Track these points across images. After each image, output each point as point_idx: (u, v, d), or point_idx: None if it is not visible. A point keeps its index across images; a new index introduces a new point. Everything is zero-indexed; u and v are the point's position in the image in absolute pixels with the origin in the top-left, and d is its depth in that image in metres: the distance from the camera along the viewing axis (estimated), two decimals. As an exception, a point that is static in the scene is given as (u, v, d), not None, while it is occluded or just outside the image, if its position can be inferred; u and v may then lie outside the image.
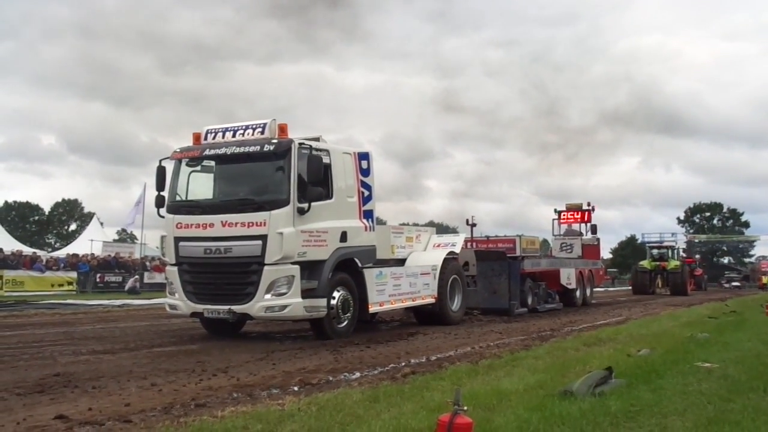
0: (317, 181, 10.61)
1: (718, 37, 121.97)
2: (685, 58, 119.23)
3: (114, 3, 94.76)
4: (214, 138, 11.34)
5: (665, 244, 43.12)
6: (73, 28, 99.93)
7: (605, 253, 47.24)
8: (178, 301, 11.02)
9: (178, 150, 11.47)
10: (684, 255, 45.22)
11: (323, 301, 10.63)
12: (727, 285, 57.14)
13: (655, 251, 40.09)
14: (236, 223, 10.44)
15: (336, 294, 11.02)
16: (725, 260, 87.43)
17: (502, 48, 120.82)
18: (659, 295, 34.85)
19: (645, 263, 38.49)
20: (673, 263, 37.52)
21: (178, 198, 11.38)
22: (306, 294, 10.42)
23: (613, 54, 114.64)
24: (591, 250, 25.29)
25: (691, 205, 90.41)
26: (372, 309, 11.95)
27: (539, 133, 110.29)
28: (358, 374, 7.58)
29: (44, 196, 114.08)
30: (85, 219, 70.97)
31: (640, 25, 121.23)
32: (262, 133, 10.95)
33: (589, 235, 26.70)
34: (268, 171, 10.85)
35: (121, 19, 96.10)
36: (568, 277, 21.17)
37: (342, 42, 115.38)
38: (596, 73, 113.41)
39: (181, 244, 10.92)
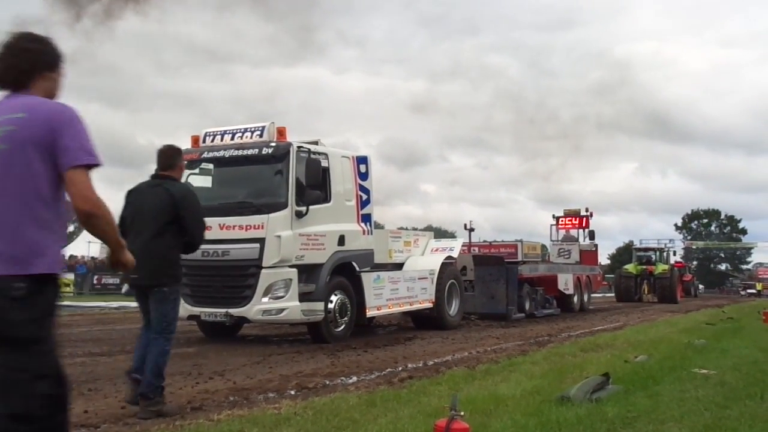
0: (315, 185, 10.61)
1: (714, 44, 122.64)
2: (681, 65, 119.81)
3: (108, 5, 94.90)
4: (212, 141, 11.35)
5: (653, 246, 38.89)
6: (69, 29, 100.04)
7: (603, 259, 44.70)
8: (175, 303, 10.99)
9: (177, 152, 11.45)
10: (681, 259, 44.51)
11: (321, 305, 10.61)
12: (743, 293, 56.22)
13: (641, 254, 36.89)
14: (234, 226, 10.43)
15: (333, 298, 11.01)
16: (722, 267, 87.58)
17: (498, 53, 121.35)
18: (645, 302, 31.90)
19: (630, 267, 34.97)
20: (661, 267, 33.97)
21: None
22: (303, 297, 10.41)
23: (608, 60, 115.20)
24: (589, 255, 25.37)
25: (689, 212, 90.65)
26: (369, 313, 11.93)
27: (535, 138, 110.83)
28: (355, 378, 7.58)
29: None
30: (82, 221, 70.71)
31: (635, 32, 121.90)
32: (261, 136, 10.96)
33: (587, 241, 26.77)
34: (266, 174, 10.85)
35: (118, 21, 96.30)
36: (565, 282, 21.17)
37: (339, 46, 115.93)
38: (592, 79, 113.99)
39: (179, 246, 10.90)
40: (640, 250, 38.31)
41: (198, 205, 5.85)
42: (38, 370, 2.51)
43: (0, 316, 2.44)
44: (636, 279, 33.76)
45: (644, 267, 34.12)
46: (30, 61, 2.76)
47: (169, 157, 5.87)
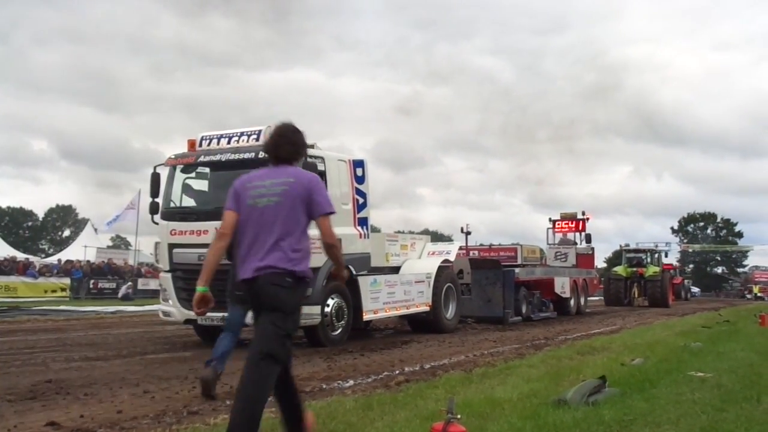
0: (312, 188, 10.59)
1: (708, 48, 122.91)
2: (675, 68, 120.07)
3: (104, 9, 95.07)
4: (209, 144, 11.33)
5: (643, 247, 36.76)
6: (64, 34, 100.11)
7: (599, 263, 43.93)
8: (171, 308, 10.98)
9: (173, 156, 11.45)
10: (678, 262, 43.56)
11: (317, 309, 10.59)
12: (749, 296, 53.95)
13: (631, 255, 34.93)
14: (230, 230, 10.40)
15: (330, 301, 10.99)
16: (719, 270, 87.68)
17: (492, 56, 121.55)
18: (636, 307, 30.34)
19: (619, 269, 33.23)
20: (652, 269, 32.35)
21: (172, 204, 11.36)
22: (300, 301, 10.38)
23: (603, 64, 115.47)
24: (585, 259, 25.37)
25: (685, 215, 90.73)
26: (366, 317, 11.92)
27: (530, 141, 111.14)
28: (351, 382, 7.57)
29: (36, 201, 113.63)
30: (79, 225, 70.80)
31: (629, 36, 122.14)
32: (257, 139, 10.92)
33: (584, 245, 26.76)
34: (262, 178, 10.83)
35: (112, 25, 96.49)
36: (562, 285, 21.19)
37: (332, 50, 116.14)
38: (586, 83, 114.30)
39: (175, 250, 10.89)
40: (630, 251, 36.24)
41: None
42: (289, 330, 4.02)
43: (276, 296, 3.95)
44: (626, 282, 32.20)
45: (634, 269, 32.69)
46: (299, 148, 4.31)
47: None
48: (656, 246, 36.87)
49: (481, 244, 21.87)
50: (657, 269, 32.63)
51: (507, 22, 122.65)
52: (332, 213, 4.15)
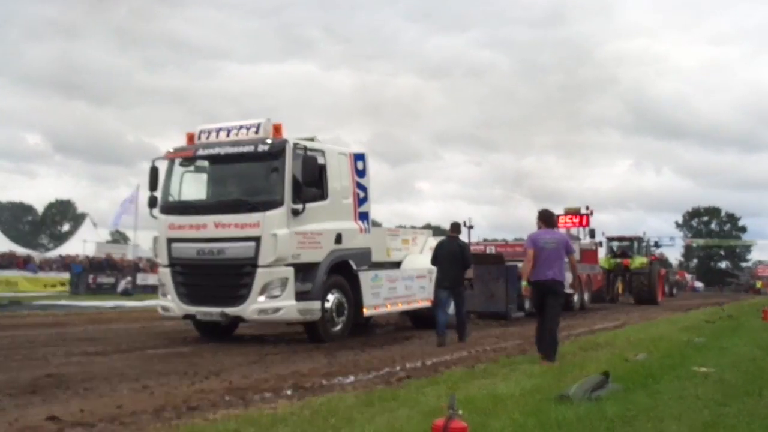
0: (312, 182, 10.52)
1: (704, 42, 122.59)
2: (672, 62, 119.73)
3: (95, 2, 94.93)
4: (207, 138, 11.25)
5: (629, 235, 31.10)
6: (56, 27, 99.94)
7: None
8: (170, 302, 10.93)
9: (172, 150, 11.38)
10: (678, 261, 41.15)
11: (317, 304, 10.55)
12: None
13: (615, 244, 30.12)
14: (230, 224, 10.36)
15: (330, 297, 10.94)
16: (722, 264, 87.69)
17: (488, 49, 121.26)
18: (620, 304, 27.13)
19: (602, 261, 27.73)
20: (639, 261, 28.33)
21: (171, 198, 11.30)
22: (300, 296, 10.34)
23: (599, 57, 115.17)
24: (589, 254, 25.14)
25: (690, 209, 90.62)
26: (367, 312, 11.86)
27: (528, 135, 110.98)
28: (352, 378, 7.52)
29: (35, 196, 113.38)
30: (78, 220, 70.79)
31: (625, 29, 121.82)
32: (257, 132, 10.85)
33: (587, 240, 26.56)
34: (262, 171, 10.78)
35: (103, 18, 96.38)
36: (565, 281, 21.06)
37: (326, 42, 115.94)
38: (583, 76, 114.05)
39: (174, 245, 10.84)
40: (614, 239, 30.63)
41: (470, 250, 12.04)
42: (562, 302, 9.12)
43: (556, 288, 8.54)
44: (608, 275, 27.81)
45: (618, 260, 28.59)
46: (557, 223, 12.24)
47: (457, 229, 11.56)
48: (644, 234, 32.69)
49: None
50: (644, 260, 28.78)
51: (502, 14, 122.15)
52: (575, 252, 9.28)
